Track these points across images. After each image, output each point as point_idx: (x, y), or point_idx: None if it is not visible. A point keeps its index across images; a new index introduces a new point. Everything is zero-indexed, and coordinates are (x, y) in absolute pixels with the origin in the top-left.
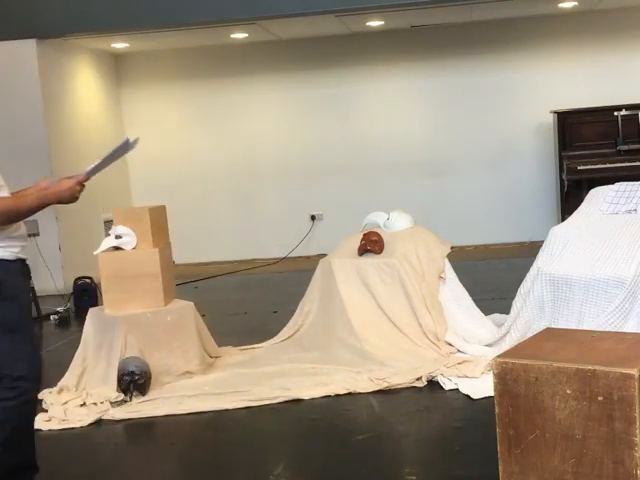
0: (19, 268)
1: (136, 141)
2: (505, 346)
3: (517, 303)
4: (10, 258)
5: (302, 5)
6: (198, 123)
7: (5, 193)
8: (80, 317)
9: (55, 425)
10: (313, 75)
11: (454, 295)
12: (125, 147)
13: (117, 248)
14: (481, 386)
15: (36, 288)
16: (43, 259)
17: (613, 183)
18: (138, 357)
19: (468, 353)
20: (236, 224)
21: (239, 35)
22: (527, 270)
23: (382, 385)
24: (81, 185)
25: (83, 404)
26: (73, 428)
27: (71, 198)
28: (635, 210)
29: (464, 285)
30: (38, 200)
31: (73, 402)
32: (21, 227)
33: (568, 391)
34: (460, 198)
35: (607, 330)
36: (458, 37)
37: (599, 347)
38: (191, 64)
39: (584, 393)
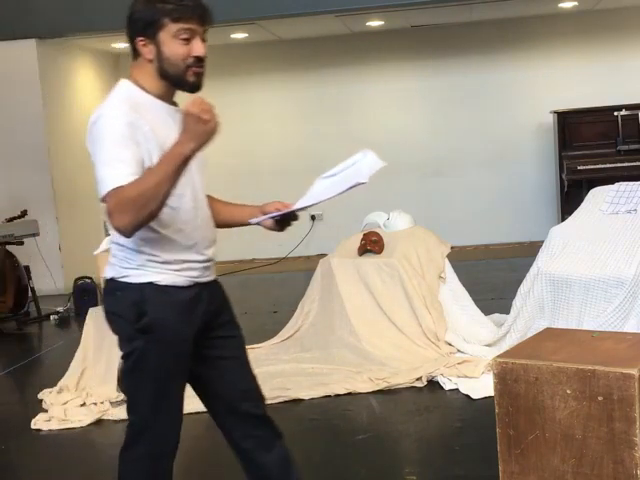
0: (189, 298)
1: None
2: (505, 346)
3: (517, 303)
4: (179, 284)
5: (302, 5)
6: None
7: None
8: (80, 317)
9: (55, 425)
10: (313, 75)
11: (454, 295)
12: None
13: None
14: (481, 386)
15: (36, 288)
16: (43, 259)
17: (613, 183)
18: None
19: (468, 353)
20: None
21: (239, 35)
22: (527, 270)
23: (382, 385)
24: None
25: (83, 404)
26: (73, 428)
27: (207, 132)
28: (635, 210)
29: (464, 285)
30: (166, 160)
31: (73, 402)
32: (192, 231)
33: (568, 391)
34: (460, 198)
35: (607, 330)
36: (458, 37)
37: (599, 347)
38: None
39: (584, 393)
